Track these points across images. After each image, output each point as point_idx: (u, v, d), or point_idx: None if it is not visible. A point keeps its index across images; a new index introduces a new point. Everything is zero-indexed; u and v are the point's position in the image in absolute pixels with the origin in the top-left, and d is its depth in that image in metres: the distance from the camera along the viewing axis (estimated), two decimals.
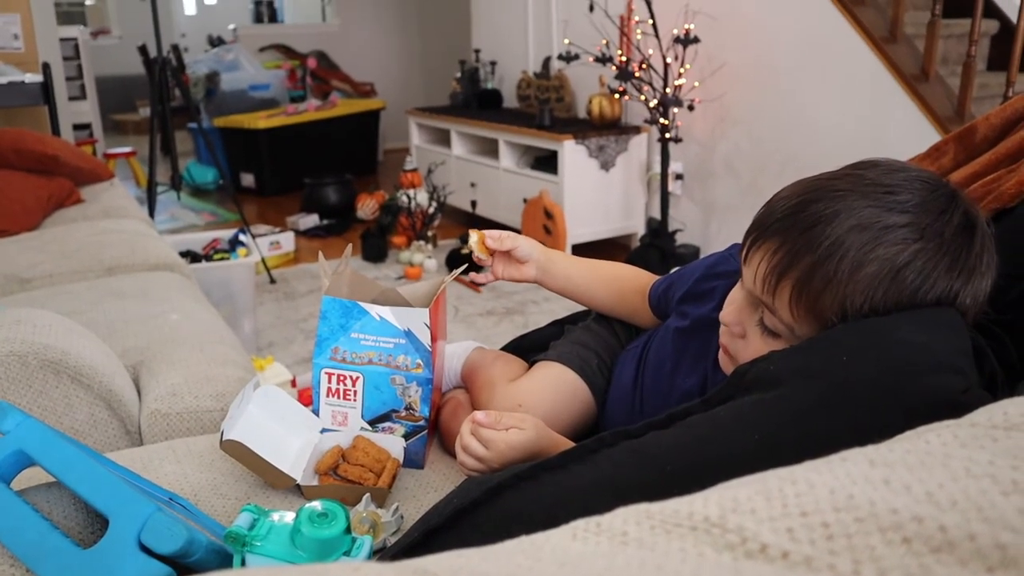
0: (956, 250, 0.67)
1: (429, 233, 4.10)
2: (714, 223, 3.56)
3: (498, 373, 1.08)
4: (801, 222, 0.68)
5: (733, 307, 0.78)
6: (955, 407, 0.55)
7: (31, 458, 0.68)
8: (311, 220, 4.53)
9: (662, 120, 3.29)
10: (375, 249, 3.95)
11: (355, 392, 1.02)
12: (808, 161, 3.07)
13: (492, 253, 1.08)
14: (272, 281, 3.62)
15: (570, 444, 0.86)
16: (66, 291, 1.69)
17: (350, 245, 1.24)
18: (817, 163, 3.02)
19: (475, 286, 3.53)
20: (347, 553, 0.58)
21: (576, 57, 3.59)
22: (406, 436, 1.02)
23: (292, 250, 4.00)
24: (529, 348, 1.28)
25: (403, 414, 1.02)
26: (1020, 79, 2.77)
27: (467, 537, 0.63)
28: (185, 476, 0.97)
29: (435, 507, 0.72)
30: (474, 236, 1.06)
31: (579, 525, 0.40)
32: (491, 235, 1.06)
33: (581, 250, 3.78)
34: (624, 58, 3.38)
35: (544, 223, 3.62)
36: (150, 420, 1.15)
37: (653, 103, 3.29)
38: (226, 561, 0.59)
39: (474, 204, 4.37)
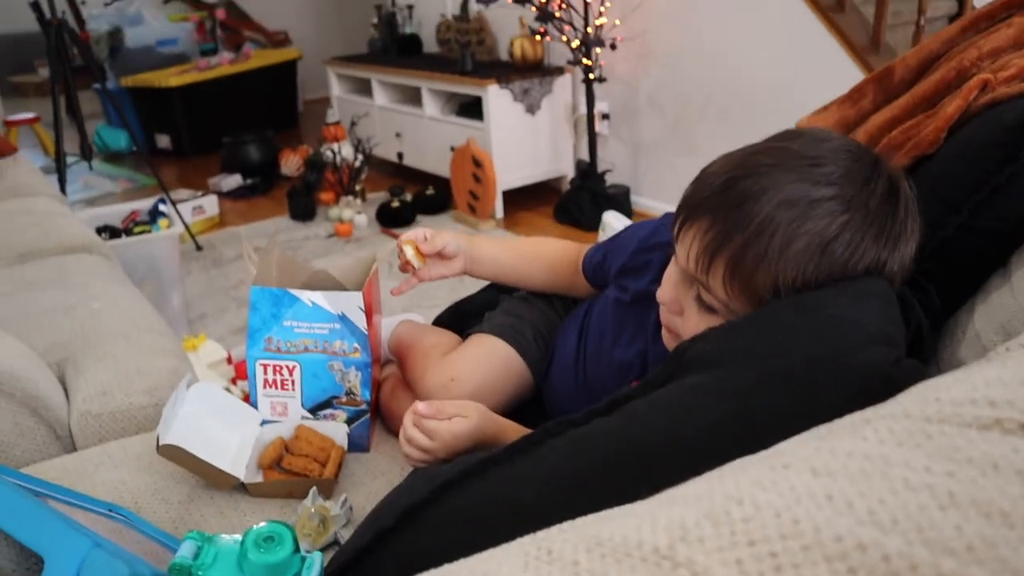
0: (882, 219, 0.68)
1: (357, 187, 4.02)
2: (643, 162, 3.57)
3: (430, 346, 1.07)
4: (730, 200, 0.68)
5: (669, 285, 0.79)
6: (887, 380, 0.57)
7: None
8: (234, 180, 4.39)
9: (585, 60, 3.26)
10: (302, 208, 3.86)
11: (293, 381, 1.00)
12: (730, 98, 3.09)
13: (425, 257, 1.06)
14: (199, 248, 3.51)
15: (514, 426, 0.87)
16: None
17: (276, 231, 1.20)
18: (739, 99, 3.04)
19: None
20: (298, 574, 0.57)
21: None
22: (349, 421, 1.01)
23: (216, 214, 3.88)
24: (464, 316, 1.27)
25: (344, 400, 1.01)
26: (932, 6, 2.82)
27: (418, 537, 0.63)
28: (123, 482, 0.94)
29: (384, 503, 0.72)
30: (409, 248, 1.04)
31: (531, 552, 0.40)
32: (417, 236, 1.05)
33: (512, 196, 3.77)
34: None
35: (473, 171, 3.58)
36: (81, 423, 1.11)
37: (575, 43, 3.24)
38: None
39: (400, 156, 4.30)
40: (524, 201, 3.85)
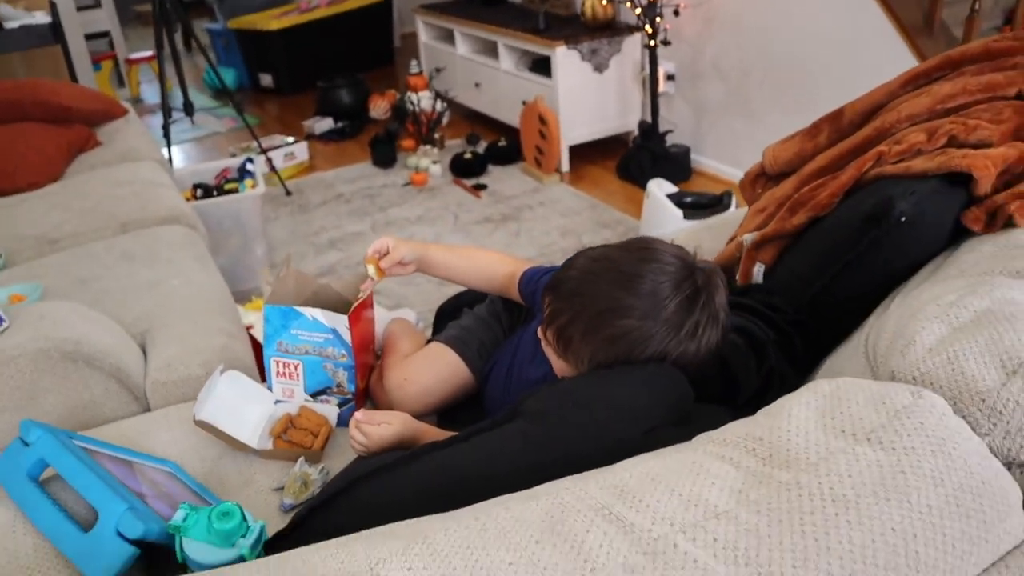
0: (669, 327, 0.91)
1: (436, 136, 4.28)
2: (704, 122, 3.67)
3: (397, 349, 1.35)
4: (569, 292, 0.93)
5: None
6: (636, 448, 0.81)
7: (47, 463, 0.99)
8: (326, 124, 4.73)
9: (647, 28, 3.37)
10: (384, 155, 4.15)
11: (298, 375, 1.31)
12: (785, 69, 3.15)
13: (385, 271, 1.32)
14: (288, 193, 3.88)
15: (432, 430, 1.15)
16: (87, 252, 1.98)
17: (290, 253, 1.50)
18: (793, 72, 3.10)
19: (476, 192, 3.75)
20: (243, 535, 0.87)
21: None
22: (340, 405, 1.32)
23: (307, 159, 4.23)
24: (461, 305, 1.54)
25: (335, 390, 1.32)
26: None
27: (335, 516, 0.92)
28: (175, 442, 1.28)
29: (327, 486, 1.02)
30: (371, 267, 1.30)
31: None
32: (380, 248, 1.31)
33: (579, 149, 3.95)
34: None
35: (539, 128, 3.78)
36: (152, 389, 1.46)
37: (637, 11, 3.35)
38: (172, 539, 0.89)
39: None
40: (591, 154, 4.02)
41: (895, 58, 2.74)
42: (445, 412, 1.34)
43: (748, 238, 1.36)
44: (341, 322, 1.26)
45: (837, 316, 1.13)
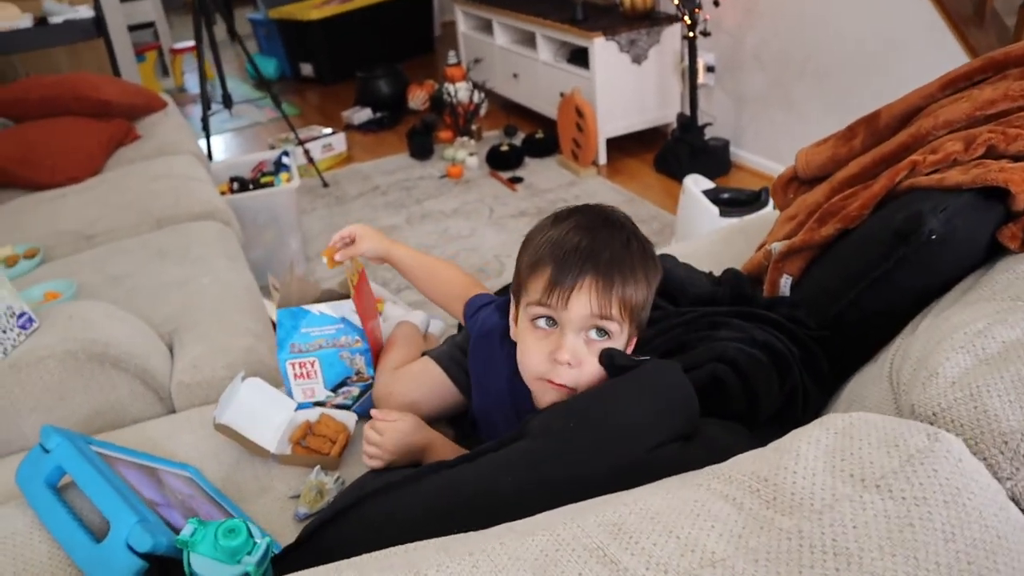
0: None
1: (473, 127, 4.27)
2: (745, 115, 3.60)
3: (391, 358, 1.35)
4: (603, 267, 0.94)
5: (566, 346, 0.99)
6: (643, 466, 0.79)
7: (65, 471, 1.00)
8: (365, 114, 4.75)
9: (687, 18, 3.30)
10: (421, 147, 4.15)
11: (316, 372, 1.32)
12: (828, 60, 3.07)
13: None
14: (325, 185, 3.91)
15: (440, 437, 1.14)
16: (121, 249, 2.01)
17: (292, 261, 1.51)
18: (836, 63, 3.01)
19: (512, 185, 3.73)
20: (249, 552, 0.87)
21: None
22: (361, 393, 1.32)
23: (344, 150, 4.25)
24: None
25: (355, 378, 1.32)
26: None
27: (343, 531, 0.92)
28: (196, 445, 1.29)
29: (337, 497, 1.02)
30: (324, 258, 1.33)
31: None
32: (344, 237, 1.33)
33: (616, 143, 3.90)
34: None
35: (576, 121, 3.74)
36: (177, 390, 1.47)
37: (676, 1, 3.29)
38: (180, 553, 0.89)
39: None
40: (629, 146, 3.97)
41: (942, 50, 2.64)
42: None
43: (776, 247, 1.33)
44: (347, 307, 1.27)
45: (863, 332, 1.09)
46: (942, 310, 0.96)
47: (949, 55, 2.62)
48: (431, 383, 1.26)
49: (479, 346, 1.19)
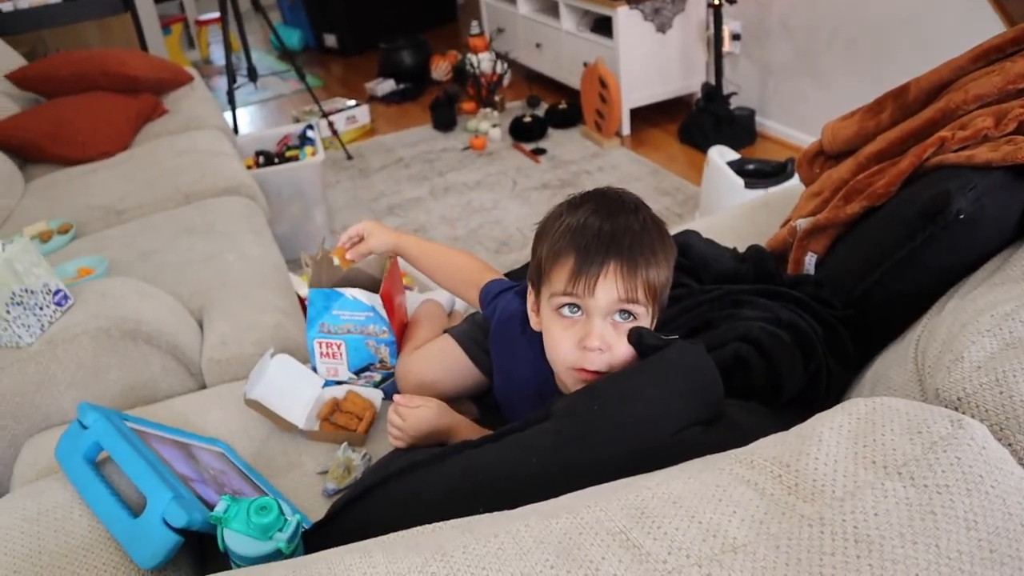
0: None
1: (496, 98, 4.24)
2: (771, 84, 3.55)
3: (414, 336, 1.36)
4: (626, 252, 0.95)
5: (595, 333, 0.99)
6: (666, 449, 0.80)
7: (102, 447, 1.03)
8: (388, 86, 4.73)
9: None
10: (444, 119, 4.14)
11: (341, 354, 1.34)
12: (857, 29, 3.01)
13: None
14: (349, 157, 3.92)
15: (465, 421, 1.15)
16: (150, 224, 2.04)
17: (324, 238, 1.52)
18: (866, 31, 2.95)
19: (535, 157, 3.72)
20: (280, 529, 0.90)
21: None
22: (384, 379, 1.34)
23: (368, 122, 4.25)
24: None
25: (378, 366, 1.34)
26: None
27: (370, 508, 0.94)
28: (225, 421, 1.32)
29: (361, 477, 1.04)
30: (335, 258, 1.33)
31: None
32: (352, 236, 1.35)
33: (640, 111, 3.86)
34: None
35: (599, 92, 3.71)
36: (207, 366, 1.50)
37: None
38: (214, 528, 0.92)
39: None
40: (652, 117, 3.93)
41: (977, 18, 2.58)
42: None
43: (801, 224, 1.32)
44: (377, 300, 1.28)
45: (889, 312, 1.09)
46: (969, 291, 0.96)
47: (985, 23, 2.56)
48: (451, 363, 1.27)
49: (500, 333, 1.20)
